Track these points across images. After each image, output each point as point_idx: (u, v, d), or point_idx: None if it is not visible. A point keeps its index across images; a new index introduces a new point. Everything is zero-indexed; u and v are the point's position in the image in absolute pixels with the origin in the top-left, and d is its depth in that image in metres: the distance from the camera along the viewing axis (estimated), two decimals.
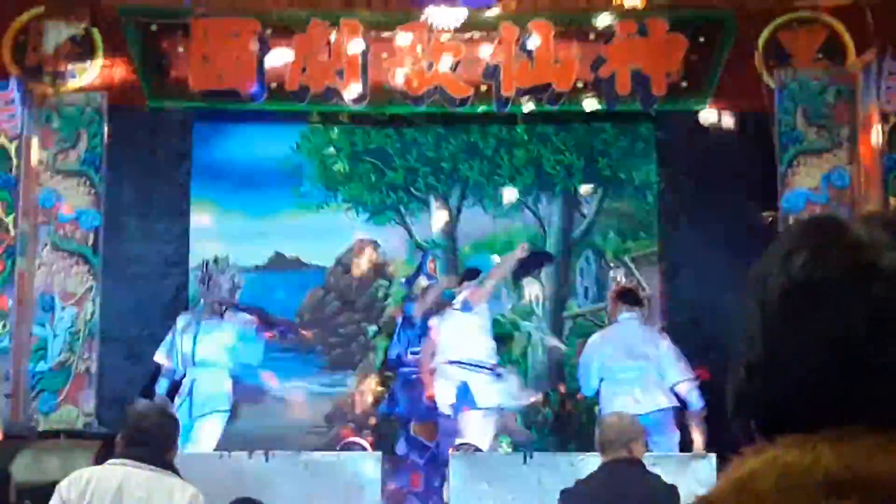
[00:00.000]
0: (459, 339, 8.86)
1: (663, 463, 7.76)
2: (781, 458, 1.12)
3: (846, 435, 1.11)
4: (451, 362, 8.81)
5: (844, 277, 1.14)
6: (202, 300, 9.33)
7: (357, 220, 10.66)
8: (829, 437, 1.11)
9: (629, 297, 9.28)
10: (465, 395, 8.66)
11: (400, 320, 9.68)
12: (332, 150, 10.68)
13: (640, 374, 8.71)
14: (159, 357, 9.05)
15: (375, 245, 10.56)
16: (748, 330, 1.19)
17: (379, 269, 10.57)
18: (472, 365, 8.76)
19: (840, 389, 1.13)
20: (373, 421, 9.85)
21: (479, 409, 8.65)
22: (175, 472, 4.83)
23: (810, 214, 8.97)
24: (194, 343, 8.92)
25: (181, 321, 9.12)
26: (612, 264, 10.50)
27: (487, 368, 8.84)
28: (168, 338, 9.08)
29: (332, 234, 10.57)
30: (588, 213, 10.65)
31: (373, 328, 10.43)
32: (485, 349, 8.94)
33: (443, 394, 8.82)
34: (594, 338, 9.17)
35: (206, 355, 8.90)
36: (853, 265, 1.15)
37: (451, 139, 10.62)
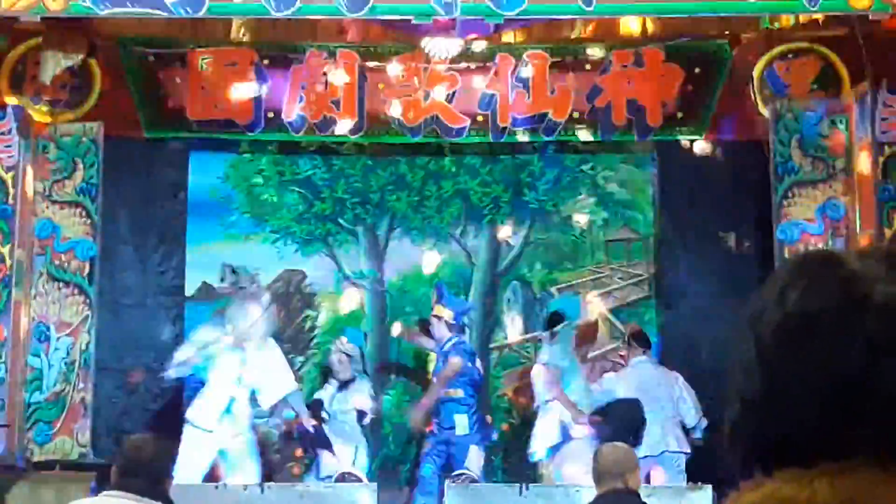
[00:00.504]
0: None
1: (660, 494, 7.75)
2: (779, 493, 1.12)
3: (844, 469, 1.10)
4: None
5: (839, 311, 1.15)
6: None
7: (285, 251, 10.58)
8: (826, 471, 1.11)
9: (641, 339, 9.32)
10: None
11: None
12: (259, 179, 10.61)
13: (654, 416, 8.80)
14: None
15: (303, 276, 10.50)
16: (744, 363, 1.19)
17: (307, 300, 10.52)
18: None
19: (837, 423, 1.13)
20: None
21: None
22: (170, 503, 4.81)
23: (805, 245, 8.99)
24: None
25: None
26: (538, 296, 10.48)
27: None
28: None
29: (259, 265, 10.47)
30: (515, 244, 10.64)
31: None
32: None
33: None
34: (609, 380, 9.23)
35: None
36: (847, 298, 1.15)
37: (380, 170, 10.57)
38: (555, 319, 9.44)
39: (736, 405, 1.19)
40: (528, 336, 10.42)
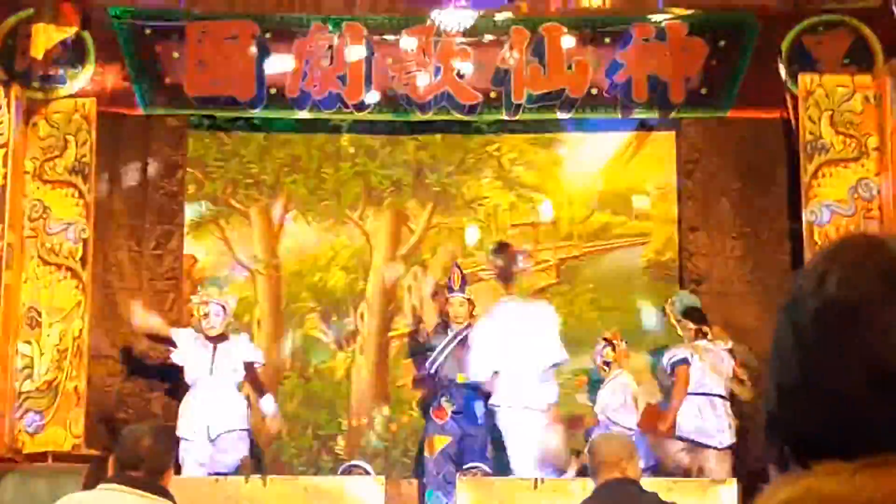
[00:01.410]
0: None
1: (683, 488, 7.77)
2: (818, 489, 1.12)
3: (887, 462, 1.11)
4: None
5: (880, 297, 1.15)
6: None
7: None
8: (868, 465, 1.11)
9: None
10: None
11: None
12: None
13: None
14: None
15: (194, 259, 10.45)
16: (781, 352, 1.19)
17: (197, 285, 10.45)
18: None
19: (877, 413, 1.13)
20: None
21: None
22: (170, 497, 4.82)
23: (836, 227, 8.98)
24: None
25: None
26: (441, 282, 10.40)
27: None
28: None
29: None
30: (417, 228, 10.58)
31: None
32: None
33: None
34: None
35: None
36: (888, 285, 1.15)
37: (274, 150, 10.50)
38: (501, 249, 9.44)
39: (773, 394, 1.20)
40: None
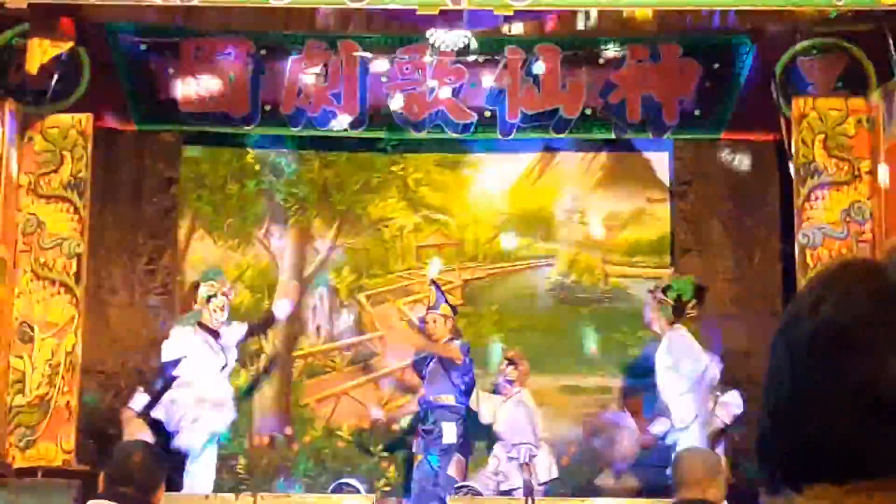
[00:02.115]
0: None
1: None
2: None
3: (878, 487, 1.11)
4: None
5: (875, 322, 1.15)
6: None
7: None
8: (859, 489, 1.11)
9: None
10: None
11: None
12: None
13: None
14: None
15: None
16: (775, 375, 1.19)
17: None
18: None
19: (870, 438, 1.13)
20: None
21: None
22: None
23: (829, 250, 8.99)
24: None
25: None
26: (345, 303, 10.41)
27: None
28: None
29: None
30: (322, 248, 10.55)
31: None
32: None
33: None
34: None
35: None
36: (883, 311, 1.15)
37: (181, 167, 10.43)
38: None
39: (766, 417, 1.20)
40: (335, 345, 10.34)
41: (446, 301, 9.51)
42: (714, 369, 8.66)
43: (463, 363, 9.15)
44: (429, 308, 9.52)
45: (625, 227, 10.49)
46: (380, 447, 10.10)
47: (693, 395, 8.58)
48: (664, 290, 9.02)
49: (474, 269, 10.47)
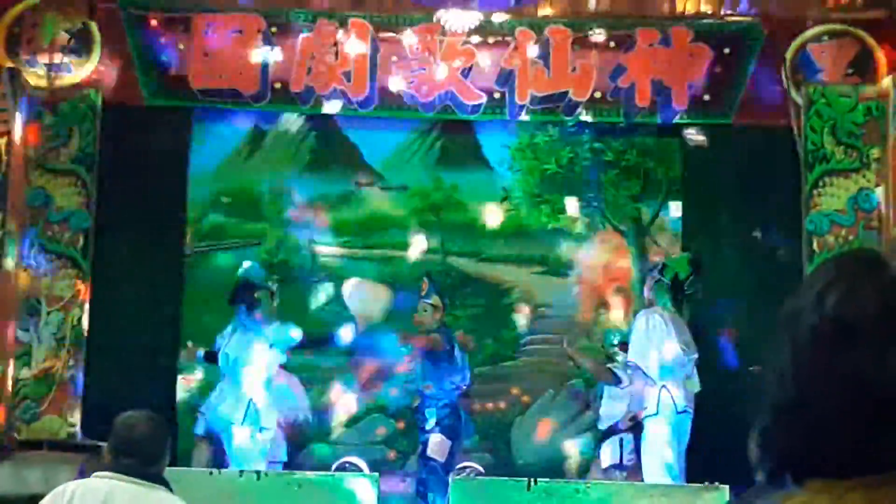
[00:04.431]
0: None
1: (672, 494, 7.76)
2: None
3: (878, 482, 1.10)
4: None
5: (878, 318, 1.14)
6: None
7: None
8: (860, 484, 1.11)
9: None
10: None
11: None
12: None
13: None
14: None
15: None
16: (777, 368, 1.18)
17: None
18: None
19: (871, 432, 1.12)
20: None
21: None
22: (166, 485, 4.79)
23: (835, 237, 8.97)
24: None
25: None
26: None
27: None
28: None
29: None
30: None
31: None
32: None
33: None
34: None
35: None
36: (887, 306, 1.14)
37: None
38: None
39: (767, 410, 1.19)
40: None
41: (437, 293, 9.57)
42: (681, 358, 8.55)
43: (452, 355, 9.27)
44: (421, 298, 9.59)
45: None
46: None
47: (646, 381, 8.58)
48: (661, 271, 9.00)
49: None
